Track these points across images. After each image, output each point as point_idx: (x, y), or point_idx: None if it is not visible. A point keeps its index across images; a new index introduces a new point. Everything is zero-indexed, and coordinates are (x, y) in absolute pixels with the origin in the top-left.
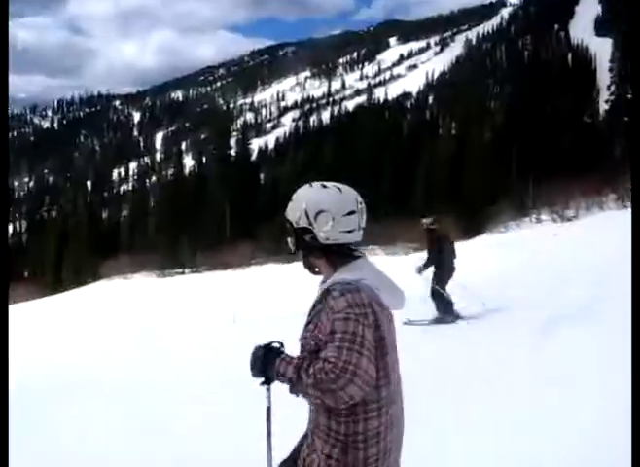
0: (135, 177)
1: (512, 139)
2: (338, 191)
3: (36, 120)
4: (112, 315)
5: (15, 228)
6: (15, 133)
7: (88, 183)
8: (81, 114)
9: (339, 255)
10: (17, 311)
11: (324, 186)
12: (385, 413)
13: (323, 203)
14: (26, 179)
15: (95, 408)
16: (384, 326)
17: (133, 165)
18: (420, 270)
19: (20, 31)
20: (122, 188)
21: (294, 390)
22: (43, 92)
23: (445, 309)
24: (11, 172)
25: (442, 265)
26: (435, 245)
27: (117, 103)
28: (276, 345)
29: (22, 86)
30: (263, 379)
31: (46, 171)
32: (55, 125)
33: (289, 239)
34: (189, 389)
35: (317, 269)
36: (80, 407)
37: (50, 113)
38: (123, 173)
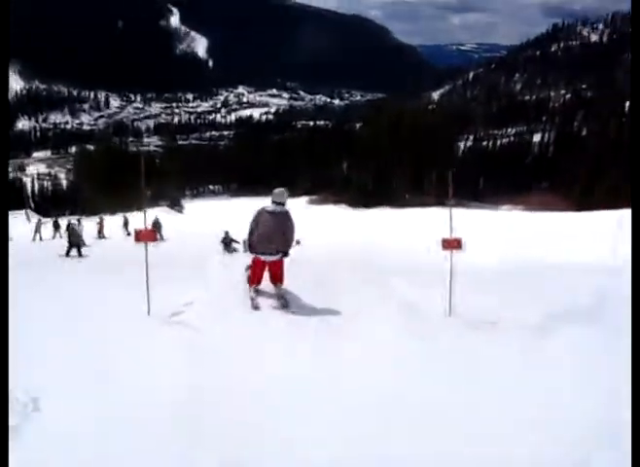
0: None
1: None
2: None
3: (585, 32)
4: None
5: (542, 138)
6: (561, 45)
7: (627, 103)
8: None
9: (272, 203)
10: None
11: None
12: (258, 235)
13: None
14: (563, 91)
15: None
16: (263, 217)
17: None
18: None
19: None
20: None
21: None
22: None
23: None
24: (546, 84)
25: None
26: None
27: None
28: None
29: None
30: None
31: (584, 86)
32: (605, 38)
33: None
34: None
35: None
36: None
37: (601, 26)
38: None
